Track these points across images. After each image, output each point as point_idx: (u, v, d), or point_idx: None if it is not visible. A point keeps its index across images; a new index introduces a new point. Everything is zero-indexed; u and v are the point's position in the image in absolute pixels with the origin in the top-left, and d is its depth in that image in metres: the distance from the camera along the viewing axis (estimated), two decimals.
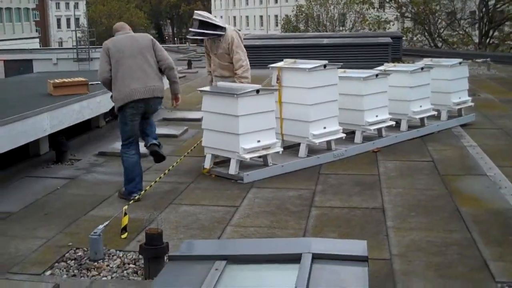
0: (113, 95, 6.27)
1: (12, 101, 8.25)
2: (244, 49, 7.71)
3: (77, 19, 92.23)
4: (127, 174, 6.33)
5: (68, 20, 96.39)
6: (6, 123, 6.55)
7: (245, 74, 7.57)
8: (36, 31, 76.95)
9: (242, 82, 7.47)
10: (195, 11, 7.93)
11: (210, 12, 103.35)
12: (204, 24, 7.60)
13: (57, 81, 8.45)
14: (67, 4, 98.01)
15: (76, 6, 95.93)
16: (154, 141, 6.40)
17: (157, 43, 6.46)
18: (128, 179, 6.32)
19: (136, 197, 6.05)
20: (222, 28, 7.62)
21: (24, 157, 7.63)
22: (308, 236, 5.17)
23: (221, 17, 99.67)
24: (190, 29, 7.94)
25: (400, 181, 6.79)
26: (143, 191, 6.18)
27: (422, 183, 6.73)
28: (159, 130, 9.09)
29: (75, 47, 35.53)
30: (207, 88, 7.22)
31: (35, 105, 7.50)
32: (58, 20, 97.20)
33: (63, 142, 7.81)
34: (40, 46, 67.42)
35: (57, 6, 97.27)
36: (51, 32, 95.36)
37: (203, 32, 7.63)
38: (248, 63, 7.66)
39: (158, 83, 6.25)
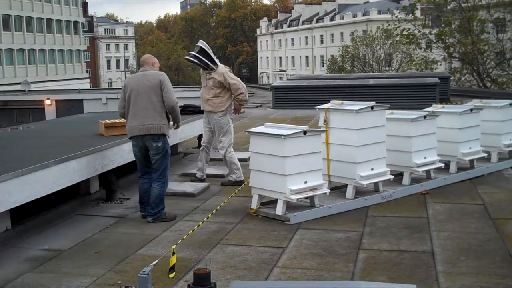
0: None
1: (66, 140, 8.48)
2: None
3: (126, 60, 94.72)
4: (139, 198, 7.29)
5: (117, 61, 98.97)
6: (62, 162, 6.76)
7: (244, 98, 8.81)
8: (87, 71, 79.12)
9: (242, 105, 8.94)
10: (200, 40, 9.02)
11: (256, 52, 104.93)
12: (203, 52, 8.64)
13: (108, 121, 8.66)
14: (117, 46, 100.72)
15: (125, 47, 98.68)
16: (149, 218, 7.04)
17: (166, 83, 6.97)
18: (140, 202, 7.26)
19: (142, 215, 7.15)
20: (215, 64, 8.66)
21: (75, 195, 7.81)
22: (356, 280, 5.12)
23: (267, 57, 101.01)
24: (190, 52, 8.86)
25: (450, 224, 6.68)
26: (191, 231, 6.23)
27: (472, 226, 6.60)
28: (207, 170, 9.21)
29: None
30: (255, 129, 7.30)
31: (87, 144, 7.70)
32: (108, 61, 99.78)
33: (113, 181, 7.96)
34: (90, 86, 69.22)
35: (107, 47, 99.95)
36: (101, 73, 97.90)
37: (199, 58, 8.63)
38: (244, 86, 8.74)
39: (155, 121, 6.91)
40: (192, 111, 11.03)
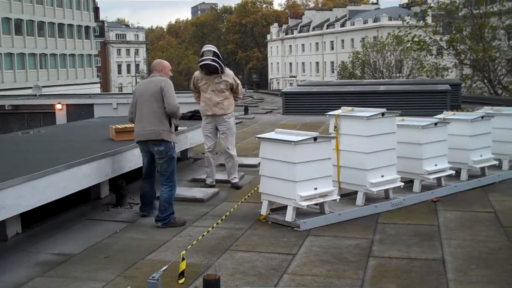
0: None
1: (76, 145, 8.50)
2: None
3: (137, 65, 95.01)
4: (140, 198, 7.55)
5: (128, 66, 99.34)
6: (72, 166, 6.78)
7: (241, 97, 9.38)
8: (98, 76, 79.42)
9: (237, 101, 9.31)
10: (208, 45, 9.08)
11: (266, 57, 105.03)
12: (217, 56, 8.80)
13: (119, 126, 8.67)
14: (127, 51, 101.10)
15: (136, 52, 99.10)
16: (158, 224, 7.07)
17: (167, 89, 7.07)
18: (140, 201, 7.55)
19: (141, 214, 7.44)
20: (225, 67, 8.93)
21: (85, 200, 7.83)
22: (366, 287, 5.10)
23: (277, 63, 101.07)
24: (205, 57, 8.79)
25: (461, 232, 6.64)
26: (200, 237, 6.23)
27: (483, 234, 6.56)
28: (217, 176, 9.21)
29: None
30: (265, 135, 7.29)
31: (98, 149, 7.73)
32: (119, 66, 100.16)
33: (123, 186, 7.97)
34: (101, 91, 69.51)
35: (118, 52, 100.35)
36: (111, 78, 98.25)
37: (218, 62, 8.73)
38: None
39: (156, 127, 7.05)
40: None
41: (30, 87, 45.38)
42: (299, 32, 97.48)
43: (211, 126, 9.03)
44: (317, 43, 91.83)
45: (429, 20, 34.11)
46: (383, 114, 7.55)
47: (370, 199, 7.61)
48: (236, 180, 9.11)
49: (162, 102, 7.03)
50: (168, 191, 7.09)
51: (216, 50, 8.84)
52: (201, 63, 8.84)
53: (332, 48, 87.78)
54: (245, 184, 9.28)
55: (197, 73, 9.09)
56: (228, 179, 9.15)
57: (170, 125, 7.15)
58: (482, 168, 8.97)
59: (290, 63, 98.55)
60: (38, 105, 35.36)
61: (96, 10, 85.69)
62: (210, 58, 8.71)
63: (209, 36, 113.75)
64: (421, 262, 5.69)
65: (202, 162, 11.13)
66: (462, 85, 27.72)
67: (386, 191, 7.71)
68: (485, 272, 5.41)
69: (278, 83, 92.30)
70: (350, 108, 7.97)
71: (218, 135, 9.12)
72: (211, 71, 8.75)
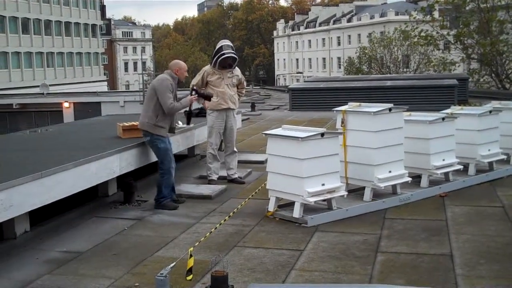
0: None
1: (84, 143, 8.53)
2: None
3: (143, 63, 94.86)
4: None
5: (135, 63, 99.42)
6: (80, 164, 6.79)
7: (245, 92, 9.68)
8: (104, 74, 79.53)
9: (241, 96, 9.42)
10: (225, 39, 9.31)
11: (273, 54, 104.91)
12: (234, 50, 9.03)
13: (126, 124, 8.68)
14: (134, 48, 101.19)
15: (143, 50, 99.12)
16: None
17: (160, 92, 7.58)
18: None
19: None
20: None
21: (93, 198, 7.85)
22: (374, 283, 5.09)
23: (284, 59, 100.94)
24: (225, 50, 8.82)
25: (469, 227, 6.62)
26: (208, 234, 6.24)
27: (492, 229, 6.54)
28: (222, 172, 9.21)
29: (141, 89, 36.43)
30: (272, 132, 7.29)
31: (105, 147, 7.74)
32: (126, 64, 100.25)
33: (131, 184, 7.98)
34: (108, 89, 69.65)
35: (125, 50, 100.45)
36: (118, 75, 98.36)
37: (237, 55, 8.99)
38: None
39: (143, 119, 7.74)
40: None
41: (38, 86, 45.52)
42: (306, 28, 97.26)
43: (222, 122, 8.97)
44: (323, 39, 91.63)
45: (436, 14, 33.96)
46: (390, 109, 7.54)
47: (377, 194, 7.60)
48: (238, 174, 9.20)
49: (154, 98, 7.59)
50: (160, 177, 7.75)
51: (232, 44, 9.10)
52: (225, 56, 8.73)
53: (339, 43, 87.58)
54: (252, 181, 9.28)
55: (207, 67, 8.98)
56: (229, 175, 9.14)
57: (156, 118, 7.60)
58: (490, 163, 8.94)
59: (297, 59, 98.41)
60: (46, 104, 35.50)
61: (103, 8, 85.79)
62: (233, 52, 8.86)
63: (216, 33, 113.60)
64: (429, 257, 5.68)
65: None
66: (470, 79, 27.61)
67: (394, 186, 7.69)
68: (493, 267, 5.39)
69: (284, 79, 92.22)
70: (357, 103, 7.96)
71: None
72: (228, 65, 8.80)
